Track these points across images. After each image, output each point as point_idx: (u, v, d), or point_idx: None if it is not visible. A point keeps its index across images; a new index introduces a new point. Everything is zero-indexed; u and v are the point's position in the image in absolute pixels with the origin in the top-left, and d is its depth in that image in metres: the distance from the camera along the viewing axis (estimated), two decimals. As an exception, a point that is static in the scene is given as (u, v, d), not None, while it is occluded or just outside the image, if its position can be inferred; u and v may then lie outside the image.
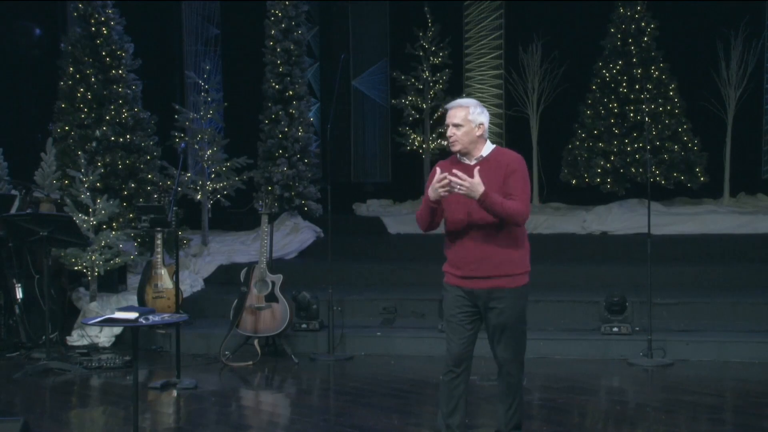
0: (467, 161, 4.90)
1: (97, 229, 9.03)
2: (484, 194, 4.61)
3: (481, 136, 4.87)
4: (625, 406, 6.59)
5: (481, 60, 13.83)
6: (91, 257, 8.85)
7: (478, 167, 4.72)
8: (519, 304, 4.90)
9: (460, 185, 4.61)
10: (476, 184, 4.61)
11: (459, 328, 4.92)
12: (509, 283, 4.84)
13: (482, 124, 4.87)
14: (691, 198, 12.31)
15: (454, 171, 4.66)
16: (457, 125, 4.86)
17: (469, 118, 4.84)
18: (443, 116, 12.92)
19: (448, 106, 4.97)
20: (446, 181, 4.66)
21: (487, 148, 4.91)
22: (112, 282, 9.31)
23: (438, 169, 4.80)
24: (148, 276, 8.79)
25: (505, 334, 4.88)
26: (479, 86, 13.80)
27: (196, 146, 10.96)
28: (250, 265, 8.24)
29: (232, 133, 11.79)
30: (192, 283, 9.77)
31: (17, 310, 8.66)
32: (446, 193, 4.69)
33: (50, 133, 10.18)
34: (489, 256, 4.79)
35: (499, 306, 4.85)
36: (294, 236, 11.34)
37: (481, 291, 4.85)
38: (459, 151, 4.88)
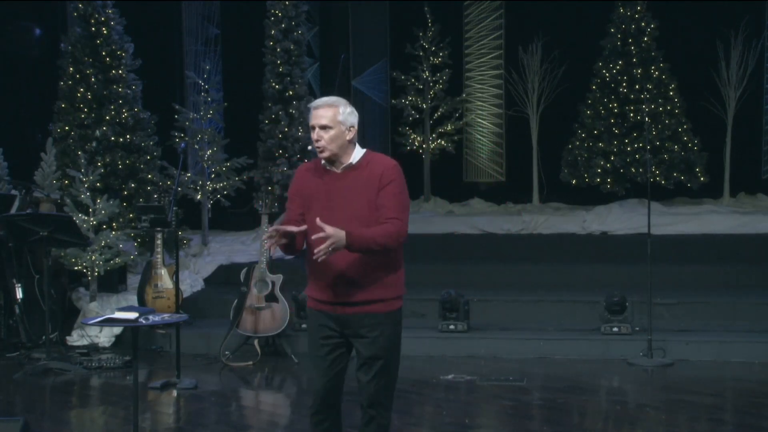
0: (335, 169, 4.24)
1: (97, 229, 9.03)
2: (349, 237, 3.99)
3: (351, 141, 4.22)
4: (625, 406, 6.59)
5: (481, 60, 13.82)
6: (91, 257, 8.84)
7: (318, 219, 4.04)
8: (394, 331, 4.34)
9: (326, 248, 3.97)
10: (336, 235, 3.97)
11: (323, 362, 4.27)
12: (382, 308, 4.26)
13: (353, 126, 4.22)
14: (691, 198, 12.30)
15: (315, 238, 4.02)
16: (324, 127, 4.16)
17: (338, 119, 4.18)
18: (443, 116, 13.15)
19: (313, 104, 4.26)
20: (274, 241, 4.10)
21: (357, 153, 4.24)
22: (112, 282, 9.31)
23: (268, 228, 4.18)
24: (148, 276, 8.79)
25: (377, 366, 4.27)
26: (479, 86, 13.78)
27: (196, 146, 10.96)
28: (250, 265, 8.24)
29: (232, 133, 11.78)
30: (192, 283, 9.76)
31: (17, 310, 8.65)
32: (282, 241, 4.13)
33: (50, 133, 10.19)
34: (359, 279, 4.16)
35: (371, 334, 4.25)
36: (294, 236, 11.32)
37: (350, 317, 4.23)
38: (327, 159, 4.21)
